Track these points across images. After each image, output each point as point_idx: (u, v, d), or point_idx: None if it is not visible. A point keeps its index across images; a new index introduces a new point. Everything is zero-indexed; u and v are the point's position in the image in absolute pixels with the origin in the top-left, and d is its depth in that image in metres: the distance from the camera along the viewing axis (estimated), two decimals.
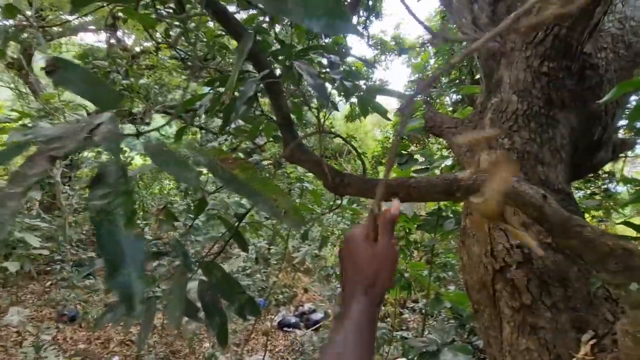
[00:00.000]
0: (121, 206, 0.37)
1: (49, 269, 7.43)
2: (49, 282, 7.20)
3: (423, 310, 3.77)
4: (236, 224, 1.03)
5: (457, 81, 4.77)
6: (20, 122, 3.39)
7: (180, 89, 11.88)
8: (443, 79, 4.79)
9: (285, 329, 6.84)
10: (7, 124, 3.76)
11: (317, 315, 7.78)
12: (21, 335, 4.91)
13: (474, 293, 1.18)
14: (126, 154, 11.25)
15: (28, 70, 9.41)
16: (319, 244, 3.81)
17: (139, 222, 11.27)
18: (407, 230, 2.69)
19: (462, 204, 1.77)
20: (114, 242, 0.36)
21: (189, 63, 3.21)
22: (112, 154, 0.41)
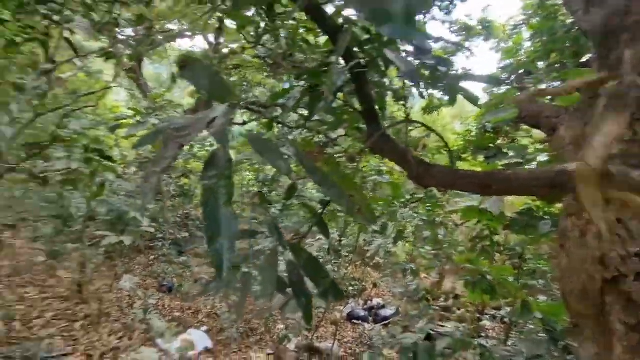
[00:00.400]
0: (224, 187, 0.42)
1: (152, 245, 8.68)
2: (152, 257, 8.41)
3: (507, 319, 3.46)
4: (320, 211, 1.08)
5: (558, 65, 4.19)
6: (135, 118, 4.01)
7: (261, 86, 12.62)
8: (540, 63, 4.25)
9: (353, 321, 6.90)
10: (125, 120, 4.48)
11: (387, 312, 7.68)
12: (132, 299, 5.85)
13: (574, 303, 1.04)
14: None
15: (139, 75, 10.97)
16: (394, 238, 3.75)
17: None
18: (492, 230, 2.49)
19: (559, 204, 1.56)
20: (215, 216, 0.42)
21: (271, 61, 3.41)
22: (221, 143, 0.47)
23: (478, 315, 5.69)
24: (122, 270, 7.12)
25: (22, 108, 3.46)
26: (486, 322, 5.85)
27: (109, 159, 4.28)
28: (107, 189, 5.15)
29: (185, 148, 12.52)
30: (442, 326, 6.35)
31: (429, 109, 6.54)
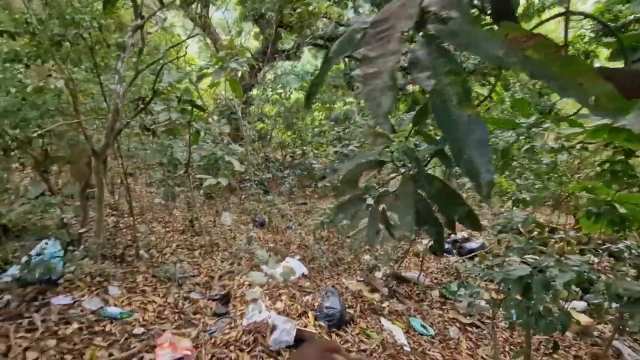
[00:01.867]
0: (450, 86, 0.36)
1: (241, 186, 9.56)
2: (243, 196, 9.30)
3: (627, 254, 3.11)
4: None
5: None
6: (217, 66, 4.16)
7: (326, 16, 11.85)
8: None
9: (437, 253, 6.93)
10: (207, 70, 4.68)
11: (472, 244, 7.55)
12: (233, 232, 6.68)
13: None
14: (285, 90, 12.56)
15: (208, 23, 11.11)
16: (500, 167, 3.42)
17: (297, 149, 12.84)
18: (627, 151, 2.11)
19: None
20: (450, 122, 0.36)
21: None
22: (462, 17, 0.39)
23: (583, 247, 5.23)
24: (221, 209, 8.08)
25: (126, 66, 3.79)
26: (590, 257, 5.36)
27: (200, 108, 4.58)
28: (200, 137, 5.66)
29: (258, 92, 12.80)
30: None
31: None
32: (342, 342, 3.02)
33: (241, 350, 2.58)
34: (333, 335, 3.09)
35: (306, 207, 9.71)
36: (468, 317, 4.50)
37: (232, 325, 2.99)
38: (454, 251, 7.50)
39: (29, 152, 4.14)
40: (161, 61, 4.00)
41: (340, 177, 1.11)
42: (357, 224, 1.08)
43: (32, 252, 2.58)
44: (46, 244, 2.79)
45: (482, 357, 3.40)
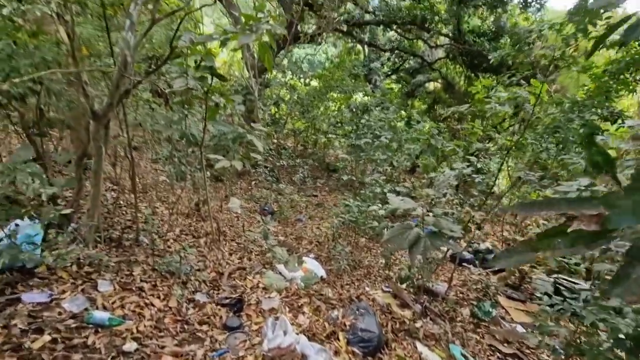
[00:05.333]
0: None
1: (250, 171, 8.96)
2: (253, 182, 8.69)
3: None
4: None
5: None
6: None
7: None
8: None
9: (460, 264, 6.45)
10: (232, 34, 4.02)
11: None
12: (242, 220, 6.10)
13: None
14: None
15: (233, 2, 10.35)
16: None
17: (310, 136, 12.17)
18: None
19: None
20: None
21: None
22: None
23: None
24: (229, 193, 7.48)
25: (139, 15, 3.14)
26: None
27: (221, 77, 3.94)
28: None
29: (275, 75, 12.10)
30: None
31: None
32: None
33: None
34: None
35: (317, 199, 9.11)
36: (506, 345, 3.91)
37: (248, 344, 2.40)
38: (476, 262, 6.95)
39: (20, 109, 3.52)
40: (183, 11, 3.34)
41: None
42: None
43: (1, 234, 1.98)
44: (17, 225, 2.18)
45: None
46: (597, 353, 2.37)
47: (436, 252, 4.65)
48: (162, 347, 2.16)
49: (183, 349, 2.20)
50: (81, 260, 2.70)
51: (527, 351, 3.91)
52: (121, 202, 4.79)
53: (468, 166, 4.21)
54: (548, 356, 3.85)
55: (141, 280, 2.83)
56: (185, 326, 2.48)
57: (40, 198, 2.08)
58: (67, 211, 2.54)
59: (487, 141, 9.32)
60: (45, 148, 4.06)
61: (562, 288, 5.41)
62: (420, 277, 4.50)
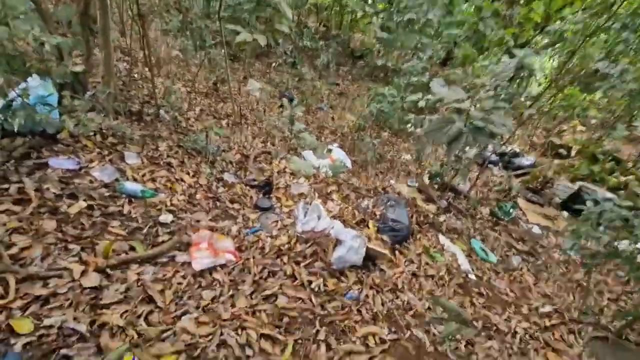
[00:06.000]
0: None
1: (272, 50, 8.17)
2: (272, 64, 8.01)
3: None
4: None
5: None
6: None
7: None
8: None
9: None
10: None
11: (522, 160, 6.79)
12: (262, 104, 5.78)
13: None
14: None
15: None
16: None
17: None
18: None
19: None
20: None
21: None
22: None
23: None
24: (248, 74, 6.95)
25: None
26: None
27: None
28: None
29: None
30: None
31: None
32: (407, 263, 2.49)
33: (297, 263, 2.03)
34: (397, 253, 2.54)
35: (339, 88, 8.51)
36: (521, 243, 4.01)
37: (280, 225, 2.40)
38: (500, 164, 6.80)
39: None
40: None
41: None
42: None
43: (13, 94, 1.75)
44: (25, 82, 1.92)
45: (547, 294, 2.96)
46: (633, 257, 2.34)
47: (470, 150, 4.41)
48: (198, 221, 2.16)
49: (217, 224, 2.21)
50: (104, 131, 2.54)
51: (540, 250, 4.02)
52: (135, 75, 4.44)
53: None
54: (559, 255, 3.97)
55: (168, 156, 2.73)
56: (217, 203, 2.46)
57: (44, 49, 1.77)
58: (79, 68, 2.25)
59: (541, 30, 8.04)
60: (43, 6, 3.51)
61: (585, 196, 5.32)
62: (451, 175, 4.35)
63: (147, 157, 2.58)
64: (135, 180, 2.26)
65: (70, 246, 1.59)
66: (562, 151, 6.60)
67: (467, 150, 3.26)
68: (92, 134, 2.42)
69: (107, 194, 2.02)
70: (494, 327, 2.16)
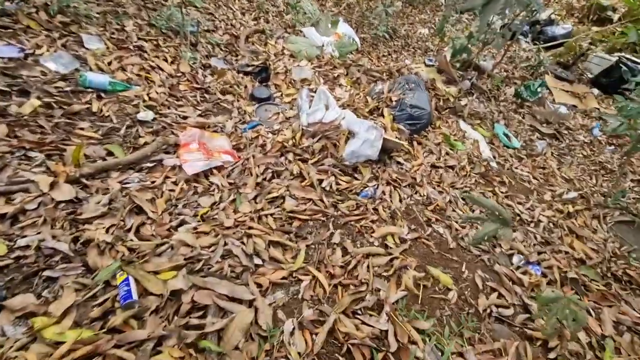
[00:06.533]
0: None
1: None
2: None
3: None
4: None
5: None
6: None
7: None
8: None
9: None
10: None
11: (555, 29, 5.94)
12: None
13: None
14: None
15: None
16: None
17: None
18: None
19: None
20: None
21: None
22: None
23: None
24: None
25: None
26: None
27: None
28: None
29: None
30: None
31: None
32: (425, 154, 2.23)
33: (304, 161, 1.77)
34: (414, 143, 2.26)
35: None
36: (545, 125, 3.69)
37: (282, 117, 2.07)
38: (530, 35, 5.93)
39: None
40: None
41: None
42: None
43: None
44: None
45: (571, 179, 2.79)
46: None
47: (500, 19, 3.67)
48: (184, 118, 1.83)
49: (209, 120, 1.88)
50: (49, 5, 1.99)
51: (565, 132, 3.72)
52: None
53: None
54: (584, 137, 3.69)
55: (138, 38, 2.22)
56: (206, 95, 2.09)
57: None
58: None
59: None
60: None
61: (624, 69, 4.72)
62: (477, 49, 3.72)
63: (112, 41, 2.09)
64: (100, 70, 1.84)
65: (31, 154, 1.32)
66: (610, 14, 5.61)
67: (507, 13, 2.62)
68: (33, 10, 1.90)
69: (67, 89, 1.65)
70: (517, 217, 2.03)
